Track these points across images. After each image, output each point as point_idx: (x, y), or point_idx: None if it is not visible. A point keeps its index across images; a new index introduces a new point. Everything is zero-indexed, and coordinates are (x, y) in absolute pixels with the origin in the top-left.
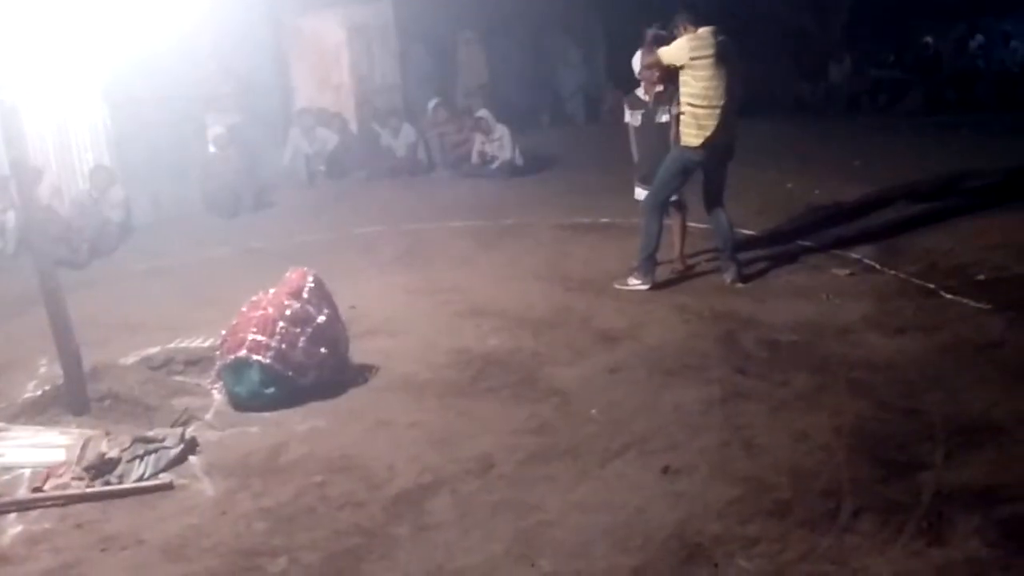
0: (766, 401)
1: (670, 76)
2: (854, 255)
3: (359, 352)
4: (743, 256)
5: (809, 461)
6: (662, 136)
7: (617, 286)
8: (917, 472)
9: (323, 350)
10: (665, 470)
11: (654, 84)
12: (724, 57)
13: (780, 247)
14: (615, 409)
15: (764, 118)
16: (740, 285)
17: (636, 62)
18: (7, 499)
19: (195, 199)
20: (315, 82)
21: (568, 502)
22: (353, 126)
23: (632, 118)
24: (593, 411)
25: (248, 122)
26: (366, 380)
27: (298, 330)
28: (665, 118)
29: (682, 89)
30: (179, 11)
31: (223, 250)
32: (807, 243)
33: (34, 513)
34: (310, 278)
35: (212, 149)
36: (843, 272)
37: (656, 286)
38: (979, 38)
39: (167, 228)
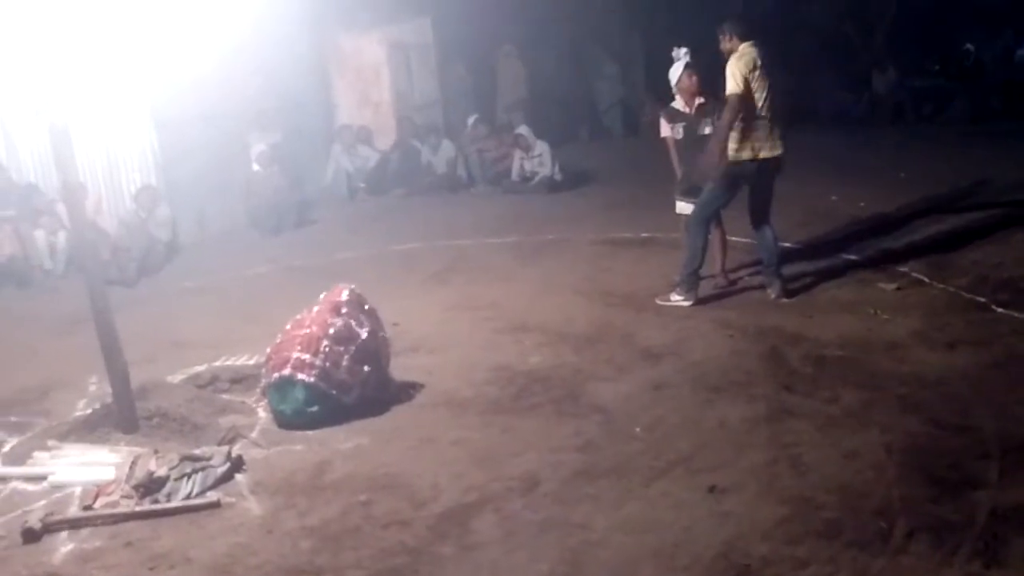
0: (813, 418)
1: (707, 90)
2: (901, 268)
3: (401, 369)
4: (787, 270)
5: (859, 480)
6: (701, 150)
7: (659, 302)
8: (971, 491)
9: (366, 368)
10: (711, 489)
11: (693, 96)
12: (769, 70)
13: (825, 261)
14: (659, 426)
15: (807, 129)
16: (785, 300)
17: (673, 75)
18: (59, 517)
19: (239, 217)
20: (356, 99)
21: (614, 521)
22: (394, 142)
23: (673, 131)
24: (637, 428)
25: (291, 140)
26: (409, 397)
27: (341, 348)
28: (708, 130)
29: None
30: (223, 30)
31: (267, 268)
32: (852, 257)
33: (85, 531)
34: (353, 295)
35: (255, 167)
36: (890, 286)
37: (699, 301)
38: None
39: (212, 246)
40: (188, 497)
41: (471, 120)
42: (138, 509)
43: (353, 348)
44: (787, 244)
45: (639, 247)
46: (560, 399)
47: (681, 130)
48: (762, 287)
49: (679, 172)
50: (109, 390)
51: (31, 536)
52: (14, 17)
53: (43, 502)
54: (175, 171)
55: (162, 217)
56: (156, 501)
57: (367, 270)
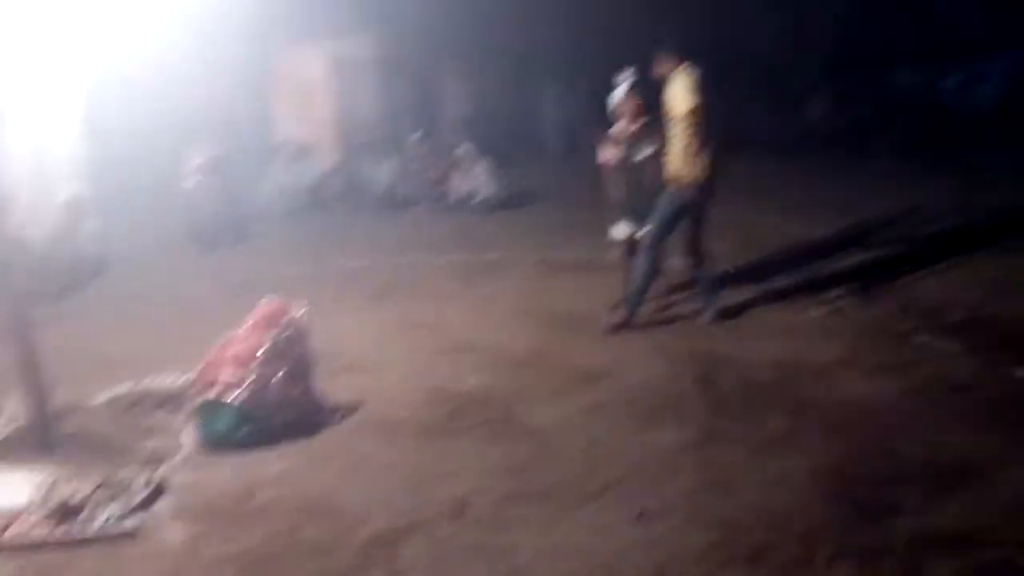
0: (743, 443)
1: (647, 114)
2: (830, 295)
3: (335, 389)
4: (721, 295)
5: (786, 505)
6: (639, 174)
7: (601, 324)
8: (893, 517)
9: (298, 389)
10: (641, 515)
11: (633, 120)
12: (706, 93)
13: (757, 285)
14: (593, 449)
15: (741, 155)
16: (718, 324)
17: (613, 100)
18: None
19: (174, 231)
20: (297, 114)
21: (543, 546)
22: (335, 159)
23: (608, 155)
24: (570, 452)
25: (229, 154)
26: (341, 419)
27: (273, 368)
28: (645, 153)
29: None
30: (161, 41)
31: (201, 284)
32: (784, 282)
33: None
34: (285, 313)
35: (192, 181)
36: (820, 311)
37: (637, 325)
38: (951, 80)
39: (145, 261)
40: (107, 523)
41: (414, 137)
42: (52, 537)
43: (285, 368)
44: (722, 268)
45: (580, 269)
46: (495, 421)
47: (617, 154)
48: (697, 311)
49: (614, 196)
50: (25, 410)
51: None
52: None
53: None
54: (107, 183)
55: (91, 230)
56: (73, 527)
57: (305, 287)
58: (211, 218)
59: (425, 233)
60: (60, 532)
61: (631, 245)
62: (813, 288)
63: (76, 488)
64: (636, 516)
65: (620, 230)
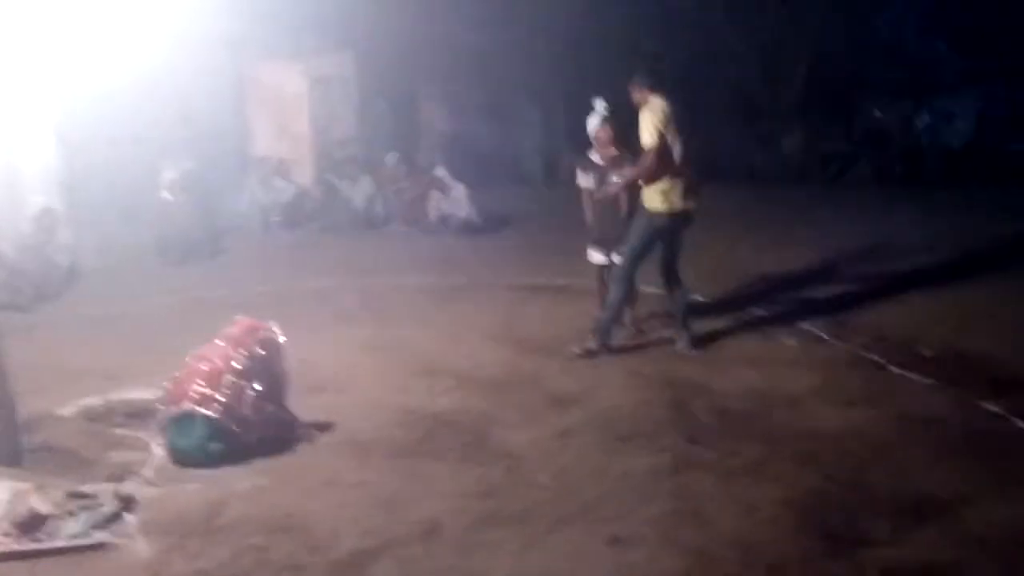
0: (716, 471)
1: (620, 142)
2: (803, 325)
3: (306, 408)
4: (695, 323)
5: (757, 534)
6: (615, 199)
7: (572, 350)
8: (863, 548)
9: (271, 406)
10: (613, 541)
11: (608, 148)
12: (679, 122)
13: (731, 315)
14: (564, 475)
15: (716, 185)
16: (692, 352)
17: (591, 126)
18: None
19: (147, 244)
20: (274, 131)
21: (514, 570)
22: (311, 177)
23: (585, 180)
24: (542, 476)
25: (204, 168)
26: (313, 438)
27: (245, 384)
28: (613, 183)
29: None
30: (138, 52)
31: (172, 298)
32: (758, 311)
33: None
34: (259, 330)
35: (165, 194)
36: (792, 342)
37: (610, 351)
38: (925, 116)
39: (116, 273)
40: (74, 536)
41: (390, 158)
42: (17, 548)
43: (257, 384)
44: (696, 297)
45: (554, 294)
46: (466, 444)
47: (592, 179)
48: (671, 339)
49: (589, 221)
50: None
51: None
52: None
53: None
54: (79, 194)
55: (62, 241)
56: (37, 540)
57: (277, 305)
58: (183, 232)
59: (399, 254)
60: (25, 543)
61: (604, 271)
62: (787, 318)
63: (43, 500)
64: (609, 542)
65: (595, 256)
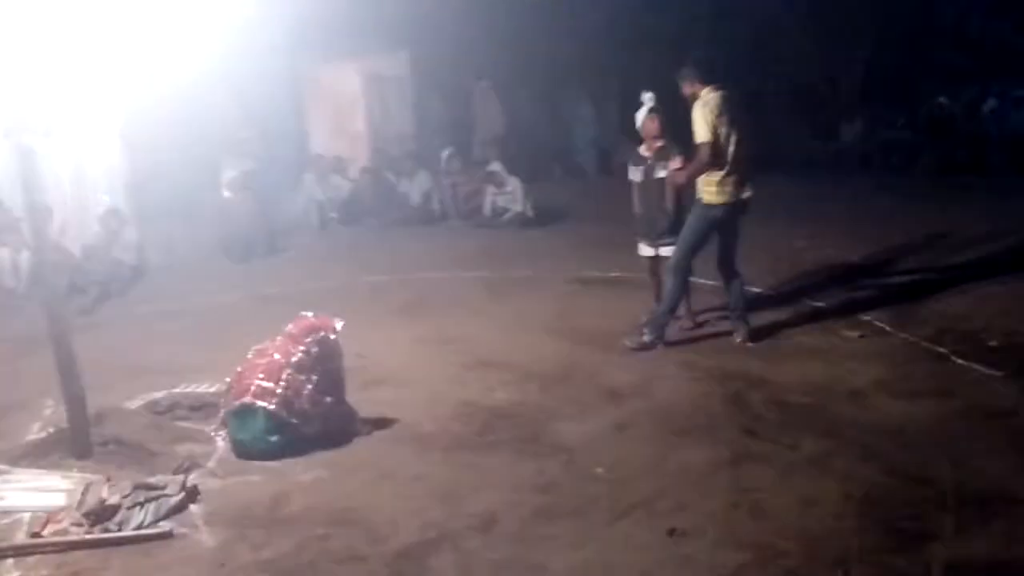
0: (775, 464)
1: (667, 134)
2: (864, 317)
3: (364, 402)
4: (753, 315)
5: (819, 527)
6: (661, 191)
7: (627, 344)
8: (928, 543)
9: (328, 399)
10: (672, 532)
11: (654, 140)
12: (735, 114)
13: (790, 306)
14: (622, 468)
15: (775, 176)
16: (750, 344)
17: (639, 119)
18: (5, 544)
19: (209, 243)
20: (330, 129)
21: (572, 563)
22: (367, 174)
23: (634, 174)
24: (599, 469)
25: (263, 167)
26: (371, 431)
27: (304, 378)
28: (662, 173)
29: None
30: (199, 55)
31: (233, 295)
32: (817, 303)
33: (32, 559)
34: (319, 325)
35: (227, 194)
36: (853, 334)
37: (666, 344)
38: (991, 102)
39: (179, 271)
40: (140, 527)
41: (445, 154)
42: (88, 537)
43: (316, 378)
44: (754, 289)
45: (609, 286)
46: (523, 437)
47: (640, 173)
48: (728, 331)
49: (637, 214)
50: (64, 414)
51: None
52: None
53: None
54: (144, 194)
55: (128, 240)
56: (107, 530)
57: (335, 300)
58: (244, 230)
59: (456, 249)
60: (96, 533)
61: (654, 264)
62: (847, 310)
63: (111, 490)
64: (668, 535)
65: (644, 249)
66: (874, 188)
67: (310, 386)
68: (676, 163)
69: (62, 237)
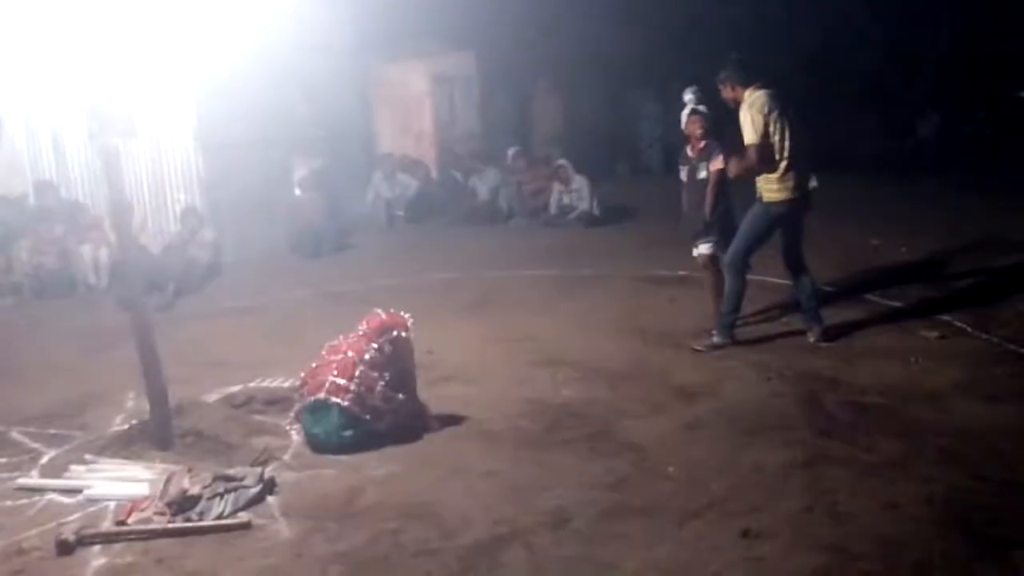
0: (852, 466)
1: (711, 134)
2: (943, 317)
3: (434, 398)
4: (826, 314)
5: (898, 532)
6: (702, 192)
7: (696, 347)
8: (1013, 549)
9: (400, 396)
10: (745, 533)
11: (699, 140)
12: (784, 111)
13: (865, 306)
14: (693, 467)
15: (847, 174)
16: (824, 344)
17: (683, 119)
18: (92, 531)
19: (280, 240)
20: (398, 128)
21: (644, 562)
22: (434, 172)
23: (681, 174)
24: (670, 468)
25: (332, 166)
26: (441, 427)
27: (376, 374)
28: (703, 174)
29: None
30: (270, 59)
31: (304, 291)
32: (893, 303)
33: (118, 546)
34: (390, 323)
35: (297, 192)
36: (932, 334)
37: (735, 343)
38: None
39: (252, 268)
40: (220, 517)
41: (511, 152)
42: (170, 526)
43: (388, 375)
44: (827, 288)
45: (676, 285)
46: (593, 435)
47: (685, 173)
48: (800, 330)
49: (684, 214)
50: (146, 406)
51: (65, 548)
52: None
53: (78, 515)
54: (219, 193)
55: (205, 239)
56: (188, 519)
57: (403, 298)
58: (314, 228)
59: (522, 247)
60: (178, 522)
61: (709, 263)
62: (925, 310)
63: (192, 481)
64: (741, 536)
65: (698, 248)
66: (952, 186)
67: (383, 383)
68: (717, 163)
69: (141, 235)
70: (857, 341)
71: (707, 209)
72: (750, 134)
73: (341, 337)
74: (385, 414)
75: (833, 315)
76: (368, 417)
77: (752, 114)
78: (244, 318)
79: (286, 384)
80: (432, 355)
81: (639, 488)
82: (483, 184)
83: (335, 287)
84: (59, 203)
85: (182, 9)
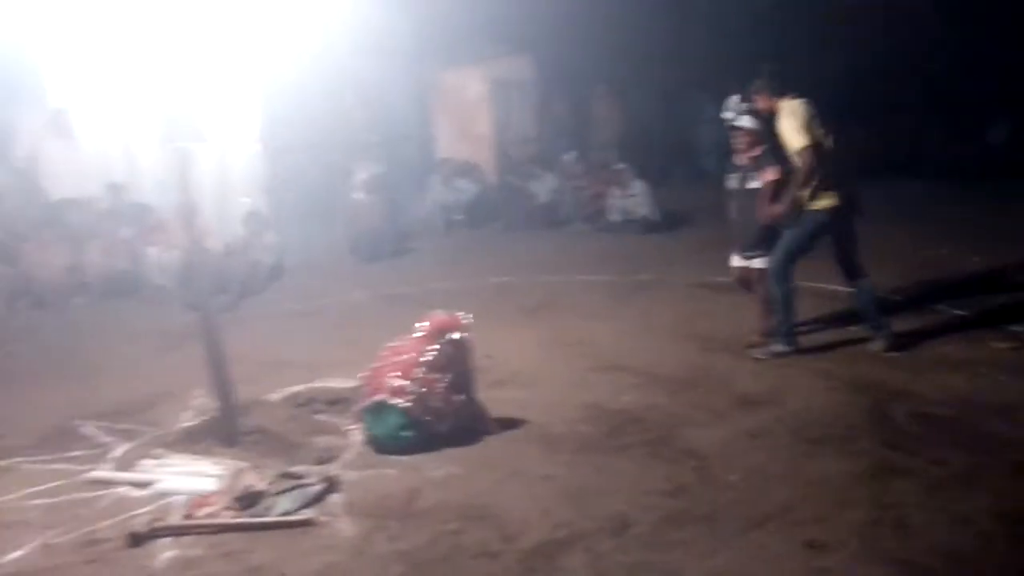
0: (920, 479)
1: (763, 142)
2: (1015, 328)
3: (493, 402)
4: (893, 323)
5: (968, 547)
6: (753, 202)
7: (756, 355)
8: None
9: (460, 397)
10: (809, 544)
11: (748, 149)
12: (817, 119)
13: (933, 316)
14: (755, 476)
15: (915, 180)
16: (891, 354)
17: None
18: (163, 524)
19: (339, 243)
20: (456, 133)
21: (706, 570)
22: (491, 177)
23: (729, 182)
24: (732, 476)
25: (392, 170)
26: (500, 430)
27: (437, 376)
28: (756, 184)
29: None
30: (330, 65)
31: (363, 294)
32: (963, 312)
33: (186, 539)
34: (450, 325)
35: (357, 195)
36: (1003, 345)
37: (798, 351)
38: None
39: (313, 270)
40: (284, 513)
41: (568, 157)
42: (237, 521)
43: (448, 377)
44: (895, 297)
45: (735, 291)
46: (653, 441)
47: (734, 182)
48: (863, 339)
49: (732, 222)
50: (212, 404)
51: (136, 540)
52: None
53: (148, 508)
54: (281, 197)
55: (268, 241)
56: (254, 515)
57: (461, 301)
58: (373, 231)
59: (580, 252)
60: (245, 517)
61: (745, 274)
62: (995, 320)
63: (257, 478)
64: (805, 546)
65: (734, 259)
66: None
67: (443, 384)
68: (770, 174)
69: (206, 238)
70: (924, 351)
71: (761, 218)
72: (797, 139)
73: (400, 339)
74: (446, 416)
75: (900, 324)
76: (428, 419)
77: (794, 120)
78: (305, 319)
79: (347, 385)
80: (490, 359)
81: (700, 495)
82: (541, 188)
83: (393, 290)
84: (128, 205)
85: (248, 15)
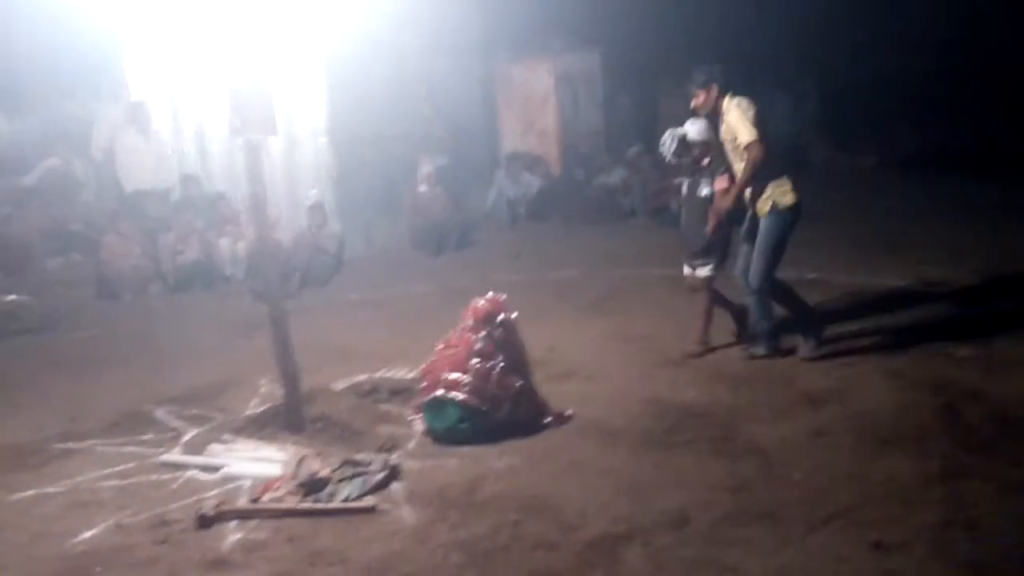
0: (995, 481)
1: (712, 149)
2: None
3: (554, 394)
4: (961, 319)
5: None
6: (702, 211)
7: (801, 356)
8: None
9: (518, 382)
10: (877, 545)
11: (699, 158)
12: (764, 117)
13: (1006, 315)
14: (820, 475)
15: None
16: (962, 353)
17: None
18: (230, 507)
19: (403, 235)
20: (521, 127)
21: (768, 568)
22: (556, 170)
23: (682, 187)
24: (796, 475)
25: (456, 163)
26: (560, 423)
27: (489, 364)
28: (705, 191)
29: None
30: (397, 59)
31: (427, 286)
32: None
33: (252, 523)
34: (490, 307)
35: (422, 188)
36: None
37: (866, 349)
38: None
39: (376, 262)
40: (347, 500)
41: (634, 151)
42: (301, 506)
43: (501, 362)
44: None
45: (803, 288)
46: (715, 438)
47: (685, 189)
48: (939, 338)
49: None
50: (278, 391)
51: (204, 522)
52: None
53: (216, 491)
54: (346, 188)
55: (332, 232)
56: (318, 500)
57: (524, 295)
58: (437, 224)
59: (643, 246)
60: (309, 503)
61: (704, 285)
62: None
63: (321, 464)
64: (872, 547)
65: (697, 270)
66: None
67: (497, 370)
68: (721, 182)
69: (275, 229)
70: (1000, 352)
71: (708, 229)
72: (748, 132)
73: (451, 331)
74: (503, 402)
75: (972, 323)
76: (486, 408)
77: (740, 114)
78: (369, 310)
79: (409, 375)
80: (552, 352)
81: (763, 493)
82: (608, 182)
83: (455, 282)
84: (201, 197)
85: (318, 8)
